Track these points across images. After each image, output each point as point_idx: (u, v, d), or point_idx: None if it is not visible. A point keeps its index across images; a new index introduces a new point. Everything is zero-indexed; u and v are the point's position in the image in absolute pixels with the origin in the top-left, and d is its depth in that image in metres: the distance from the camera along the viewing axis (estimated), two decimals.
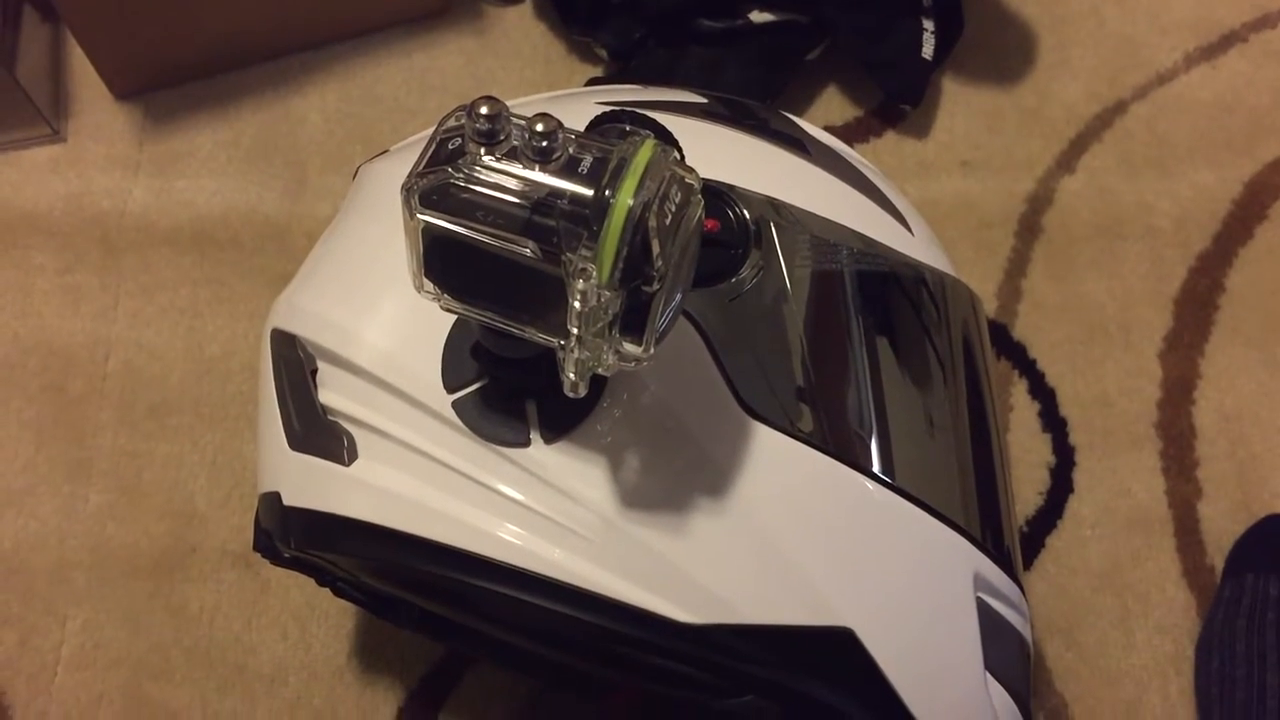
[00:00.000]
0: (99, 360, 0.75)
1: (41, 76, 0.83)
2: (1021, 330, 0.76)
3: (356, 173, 0.59)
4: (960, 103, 0.85)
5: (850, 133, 0.83)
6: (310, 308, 0.51)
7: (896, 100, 0.84)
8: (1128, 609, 0.68)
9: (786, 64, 0.83)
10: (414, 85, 0.85)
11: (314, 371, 0.50)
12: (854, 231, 0.52)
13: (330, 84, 0.85)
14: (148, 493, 0.71)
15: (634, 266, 0.35)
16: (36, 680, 0.67)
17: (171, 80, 0.84)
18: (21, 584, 0.69)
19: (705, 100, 0.57)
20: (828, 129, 0.60)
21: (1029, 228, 0.80)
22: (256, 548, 0.53)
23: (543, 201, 0.35)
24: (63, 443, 0.73)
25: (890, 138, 0.84)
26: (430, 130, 0.38)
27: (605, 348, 0.37)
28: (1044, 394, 0.74)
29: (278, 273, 0.77)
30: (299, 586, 0.68)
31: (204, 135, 0.83)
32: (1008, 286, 0.78)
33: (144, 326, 0.76)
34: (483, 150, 0.36)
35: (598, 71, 0.85)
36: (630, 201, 0.34)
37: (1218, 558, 0.70)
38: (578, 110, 0.51)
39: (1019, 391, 0.75)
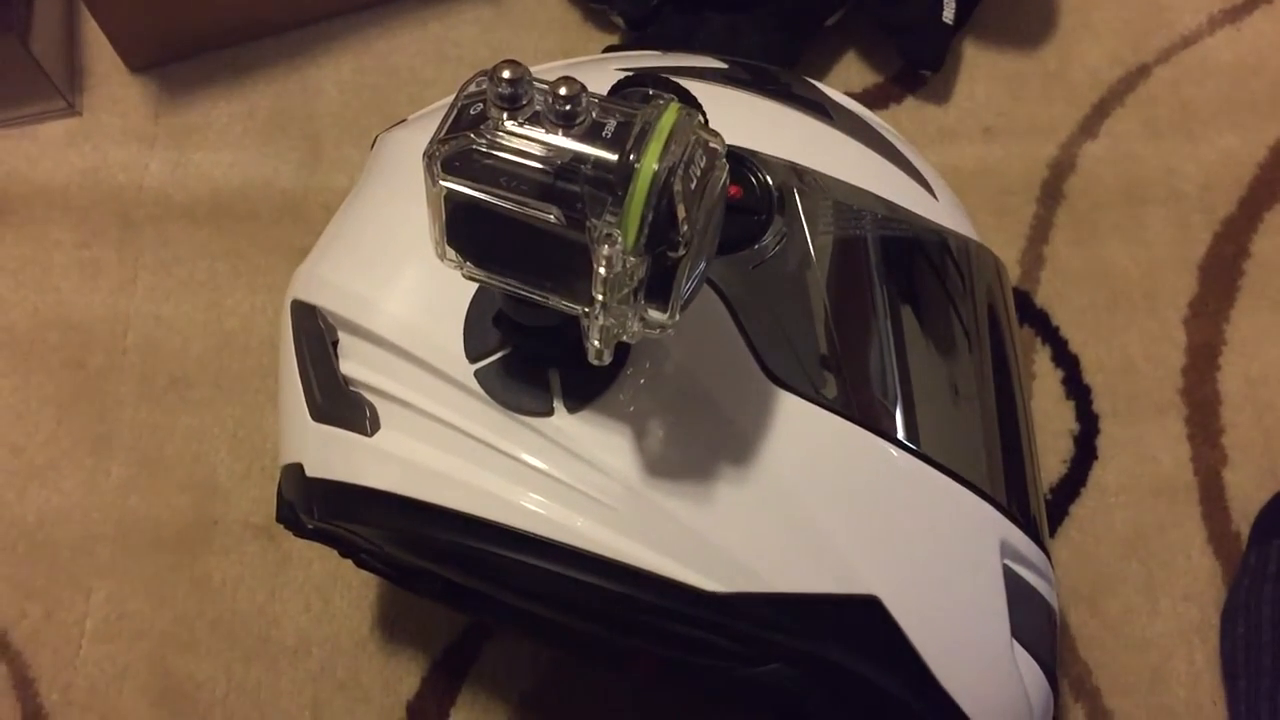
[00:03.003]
0: (118, 334, 0.75)
1: (56, 50, 0.83)
2: (1044, 297, 0.76)
3: (374, 142, 0.58)
4: (981, 68, 0.84)
5: (870, 99, 0.82)
6: (330, 278, 0.51)
7: (917, 66, 0.83)
8: (1153, 576, 0.68)
9: (805, 30, 0.82)
10: (430, 55, 0.85)
11: (335, 343, 0.50)
12: (878, 197, 0.51)
13: (345, 55, 0.84)
14: (169, 466, 0.71)
15: (659, 232, 0.35)
16: (61, 653, 0.67)
17: (186, 53, 0.83)
18: (46, 557, 0.69)
19: (725, 65, 0.56)
20: (847, 95, 0.60)
21: (1051, 194, 0.79)
22: (279, 519, 0.53)
23: (566, 167, 0.35)
24: (84, 417, 0.73)
25: (910, 104, 0.83)
26: (450, 98, 0.38)
27: (630, 314, 0.37)
28: (1067, 361, 0.74)
29: (295, 245, 0.77)
30: (321, 558, 0.68)
31: (219, 108, 0.82)
32: (1030, 253, 0.77)
33: (163, 300, 0.76)
34: (505, 115, 0.35)
35: (614, 40, 0.85)
36: (655, 166, 0.34)
37: (1243, 525, 0.69)
38: (598, 77, 0.51)
39: (1042, 359, 0.74)
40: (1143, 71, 0.83)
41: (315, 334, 0.50)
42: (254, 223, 0.79)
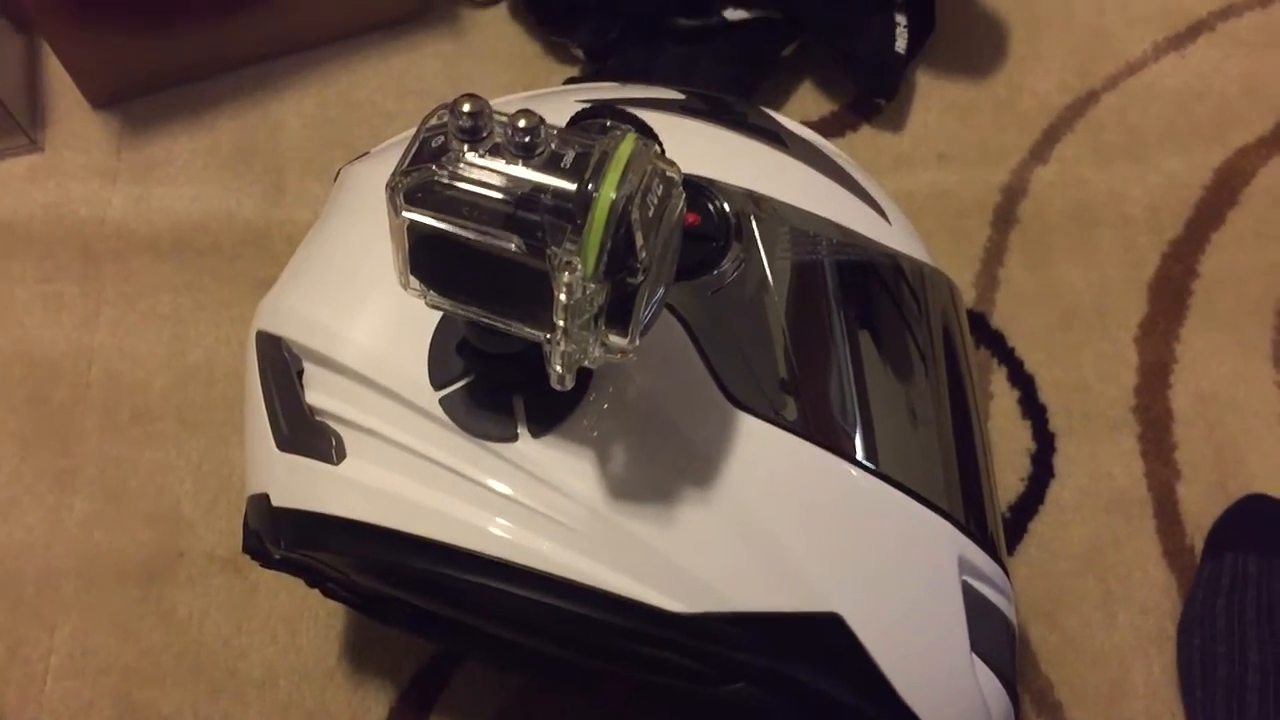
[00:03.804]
0: (82, 369, 0.75)
1: (18, 87, 0.83)
2: (999, 318, 0.77)
3: (338, 175, 0.59)
4: (934, 96, 0.86)
5: (826, 127, 0.84)
6: (295, 309, 0.52)
7: (871, 94, 0.85)
8: (1110, 590, 0.69)
9: (762, 60, 0.84)
10: (392, 89, 0.85)
11: (300, 373, 0.50)
12: (832, 223, 0.53)
13: (308, 89, 0.85)
14: (134, 499, 0.71)
15: (618, 259, 0.36)
16: (26, 689, 0.67)
17: (148, 88, 0.84)
18: (10, 593, 0.69)
19: (683, 96, 0.58)
20: (804, 124, 0.61)
21: (1004, 217, 0.81)
22: (246, 550, 0.53)
23: (526, 196, 0.36)
24: (48, 451, 0.73)
25: (866, 131, 0.84)
26: (410, 131, 0.38)
27: (591, 340, 0.38)
28: (1023, 381, 0.75)
29: (259, 278, 0.77)
30: (288, 589, 0.68)
31: (182, 142, 0.83)
32: (985, 275, 0.79)
33: (126, 334, 0.76)
34: (466, 147, 0.36)
35: (574, 72, 0.86)
36: (613, 195, 0.35)
37: (1197, 538, 0.70)
38: (558, 108, 0.52)
39: (999, 379, 0.75)
40: (1091, 98, 0.85)
41: (280, 364, 0.51)
42: (217, 256, 0.79)
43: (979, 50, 0.87)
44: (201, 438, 0.73)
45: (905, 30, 0.83)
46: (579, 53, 0.85)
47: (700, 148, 0.53)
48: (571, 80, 0.85)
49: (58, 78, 0.84)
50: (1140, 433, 0.74)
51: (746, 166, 0.53)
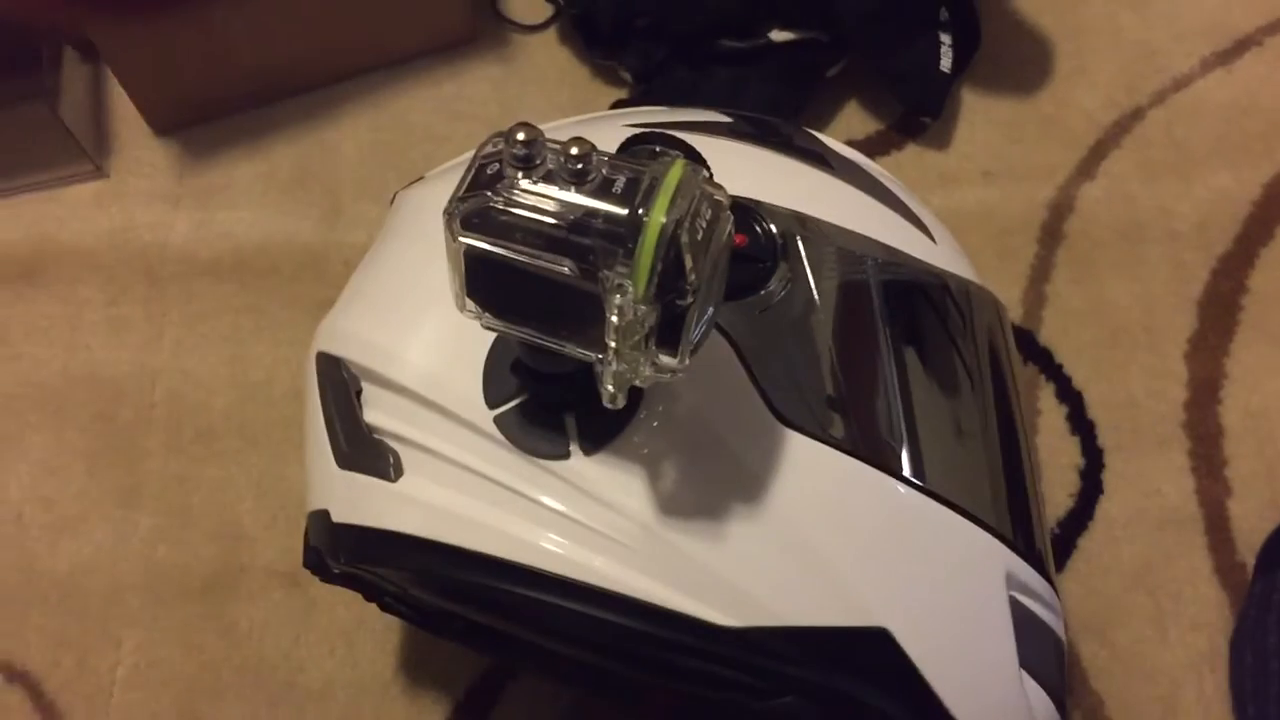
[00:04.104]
0: (146, 389, 0.77)
1: (84, 115, 0.86)
2: (1047, 335, 0.77)
3: (394, 199, 0.61)
4: (980, 113, 0.86)
5: (872, 146, 0.85)
6: (354, 331, 0.53)
7: (916, 113, 0.85)
8: (1161, 607, 0.69)
9: (807, 81, 0.85)
10: (443, 113, 0.87)
11: (359, 392, 0.52)
12: (878, 242, 0.53)
13: (362, 114, 0.87)
14: (196, 516, 0.73)
15: (668, 281, 0.36)
16: (94, 701, 0.68)
17: (209, 116, 0.86)
18: (78, 607, 0.71)
19: (730, 119, 0.59)
20: (850, 143, 0.62)
21: (1051, 234, 0.81)
22: (306, 565, 0.55)
23: (579, 221, 0.37)
24: (114, 469, 0.75)
25: (912, 150, 0.85)
26: (466, 156, 0.40)
27: (642, 360, 0.39)
28: (1071, 397, 0.75)
29: (316, 299, 0.79)
30: (345, 604, 0.70)
31: (241, 168, 0.85)
32: (1032, 292, 0.79)
33: (188, 355, 0.78)
34: (520, 174, 0.37)
35: (622, 94, 0.87)
36: (663, 219, 0.36)
37: (1248, 555, 0.70)
38: (608, 133, 0.53)
39: (1046, 395, 0.76)
40: (1137, 114, 0.85)
41: (340, 384, 0.52)
42: (276, 278, 0.81)
43: (1025, 67, 0.88)
44: (261, 455, 0.75)
45: (950, 48, 0.84)
46: (626, 75, 0.86)
47: (747, 170, 0.54)
48: (619, 103, 0.86)
49: (122, 106, 0.86)
50: (1190, 449, 0.74)
51: (792, 188, 0.54)
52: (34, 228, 0.83)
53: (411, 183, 0.61)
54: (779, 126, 0.61)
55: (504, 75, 0.89)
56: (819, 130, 0.62)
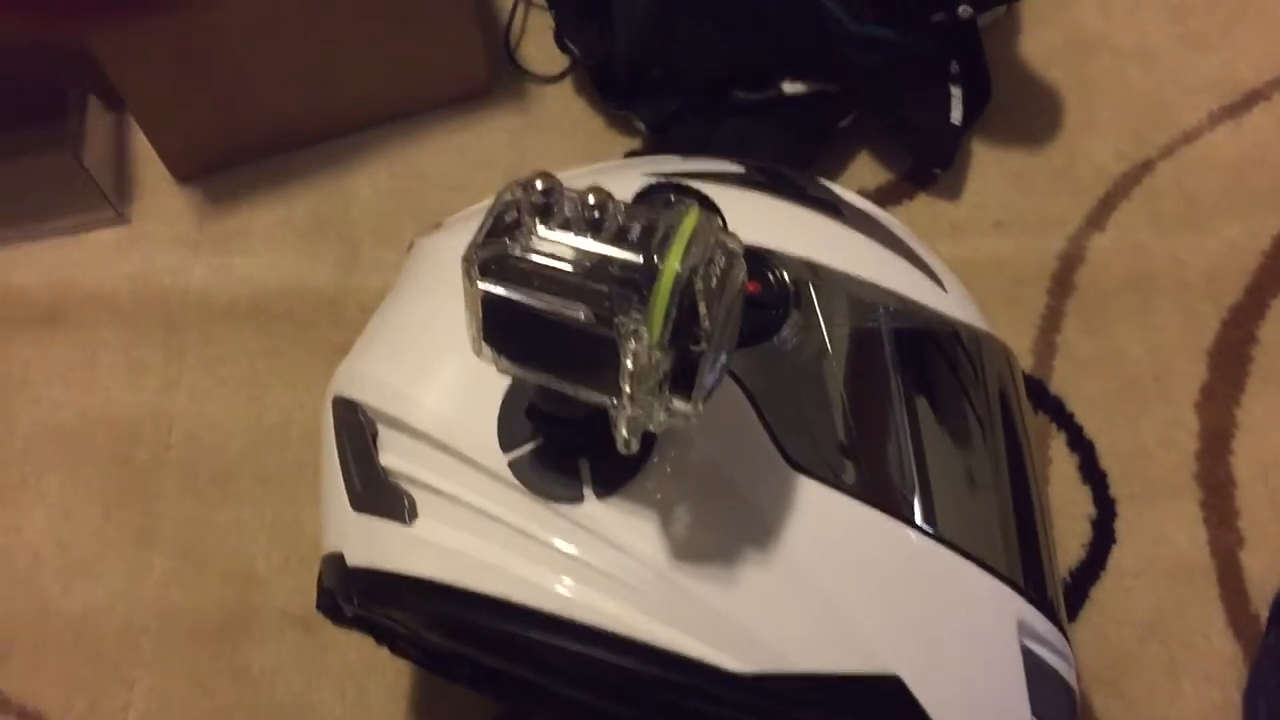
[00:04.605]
0: (163, 431, 0.78)
1: (106, 162, 0.87)
2: (1058, 384, 0.78)
3: (411, 245, 0.61)
4: (990, 164, 0.87)
5: (883, 197, 0.86)
6: (371, 374, 0.54)
7: (927, 164, 0.86)
8: (1174, 658, 0.69)
9: (819, 132, 0.86)
10: (460, 162, 0.88)
11: (374, 435, 0.52)
12: (890, 291, 0.54)
13: (380, 163, 0.88)
14: (210, 558, 0.74)
15: (682, 328, 0.37)
16: None
17: (229, 163, 0.88)
18: (91, 649, 0.71)
19: (743, 169, 0.60)
20: (861, 193, 0.62)
21: (1061, 284, 0.81)
22: (320, 607, 0.55)
23: (595, 268, 0.37)
24: (130, 511, 0.75)
25: (922, 200, 0.86)
26: (483, 204, 0.40)
27: (656, 405, 0.39)
28: (1083, 447, 0.76)
29: (333, 343, 0.80)
30: (356, 648, 0.70)
31: (260, 214, 0.86)
32: (1042, 342, 0.79)
33: (205, 398, 0.79)
34: (538, 222, 0.38)
35: (636, 144, 0.88)
36: (678, 267, 0.37)
37: (1262, 606, 0.70)
38: (624, 181, 0.54)
39: (1058, 444, 0.76)
40: (1147, 166, 0.86)
41: (356, 428, 0.53)
42: (292, 322, 0.82)
43: (1035, 119, 0.89)
44: (276, 498, 0.75)
45: (960, 101, 0.85)
46: (641, 125, 0.88)
47: (760, 219, 0.55)
48: (633, 153, 0.87)
49: (144, 153, 0.88)
50: (1202, 499, 0.74)
51: (805, 236, 0.55)
52: (55, 272, 0.84)
53: (428, 230, 0.62)
54: (791, 176, 0.61)
55: (520, 125, 0.90)
56: (831, 180, 0.62)
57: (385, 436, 0.52)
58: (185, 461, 0.77)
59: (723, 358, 0.41)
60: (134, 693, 0.70)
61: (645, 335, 0.37)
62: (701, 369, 0.39)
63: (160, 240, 0.85)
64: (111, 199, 0.85)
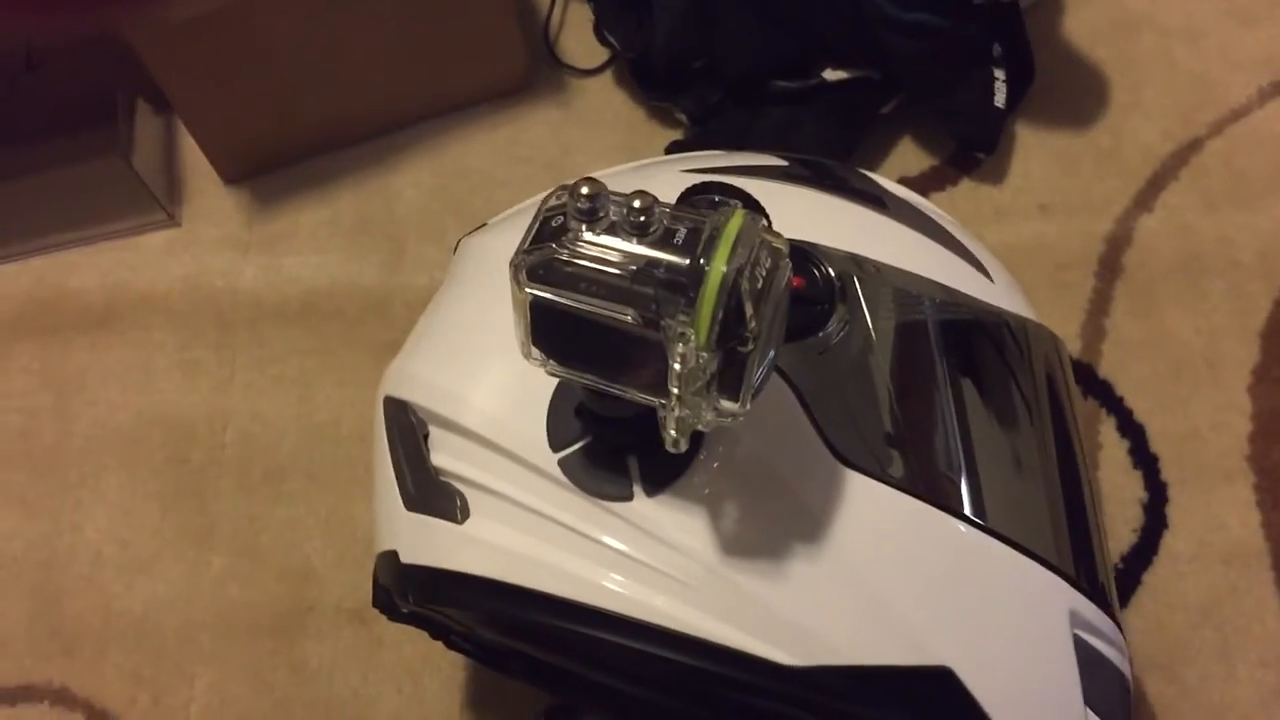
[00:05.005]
0: (217, 431, 0.79)
1: (156, 166, 0.89)
2: (1107, 368, 0.77)
3: (457, 246, 0.62)
4: (1035, 147, 0.86)
5: (927, 182, 0.85)
6: (421, 375, 0.54)
7: (971, 149, 0.86)
8: (1228, 643, 0.68)
9: (861, 119, 0.86)
10: (502, 157, 0.89)
11: (426, 435, 0.53)
12: (935, 282, 0.54)
13: (423, 160, 0.89)
14: (266, 555, 0.75)
15: (729, 329, 0.37)
16: None
17: (275, 164, 0.89)
18: (152, 646, 0.73)
19: (786, 162, 0.60)
20: (904, 180, 0.62)
21: (1109, 267, 0.81)
22: (375, 604, 0.56)
23: (641, 271, 0.38)
24: (186, 510, 0.77)
25: (966, 185, 0.85)
26: (527, 202, 0.41)
27: (704, 405, 0.40)
28: (1133, 431, 0.75)
29: (380, 341, 0.81)
30: (412, 642, 0.71)
31: (307, 214, 0.87)
32: (1090, 326, 0.79)
33: (258, 397, 0.80)
34: (584, 227, 0.38)
35: (678, 134, 0.88)
36: (724, 269, 0.37)
37: None
38: (665, 179, 0.54)
39: (1108, 429, 0.75)
40: (1195, 145, 0.85)
41: (407, 428, 0.54)
42: (341, 321, 0.83)
43: (1080, 100, 0.88)
44: (329, 495, 0.77)
45: (1004, 84, 0.84)
46: (682, 117, 0.88)
47: (803, 213, 0.55)
48: (675, 144, 0.87)
49: (193, 157, 0.89)
50: (1256, 482, 0.73)
51: (848, 230, 0.55)
52: (109, 276, 0.86)
53: (474, 229, 0.62)
54: (834, 168, 0.61)
55: (561, 119, 0.90)
56: (873, 167, 0.62)
57: (436, 436, 0.53)
58: (239, 460, 0.78)
59: (769, 355, 0.41)
60: (195, 688, 0.71)
61: (692, 337, 0.37)
62: (749, 368, 0.39)
63: (210, 242, 0.87)
64: (162, 202, 0.87)
